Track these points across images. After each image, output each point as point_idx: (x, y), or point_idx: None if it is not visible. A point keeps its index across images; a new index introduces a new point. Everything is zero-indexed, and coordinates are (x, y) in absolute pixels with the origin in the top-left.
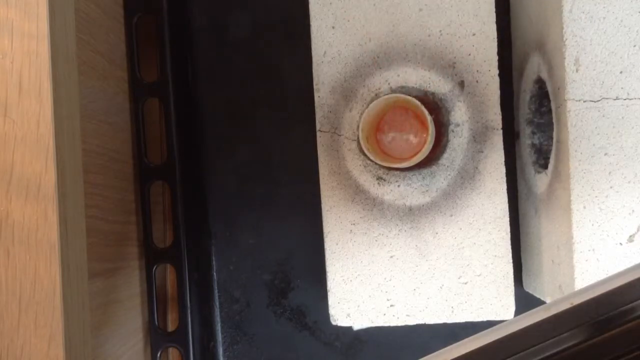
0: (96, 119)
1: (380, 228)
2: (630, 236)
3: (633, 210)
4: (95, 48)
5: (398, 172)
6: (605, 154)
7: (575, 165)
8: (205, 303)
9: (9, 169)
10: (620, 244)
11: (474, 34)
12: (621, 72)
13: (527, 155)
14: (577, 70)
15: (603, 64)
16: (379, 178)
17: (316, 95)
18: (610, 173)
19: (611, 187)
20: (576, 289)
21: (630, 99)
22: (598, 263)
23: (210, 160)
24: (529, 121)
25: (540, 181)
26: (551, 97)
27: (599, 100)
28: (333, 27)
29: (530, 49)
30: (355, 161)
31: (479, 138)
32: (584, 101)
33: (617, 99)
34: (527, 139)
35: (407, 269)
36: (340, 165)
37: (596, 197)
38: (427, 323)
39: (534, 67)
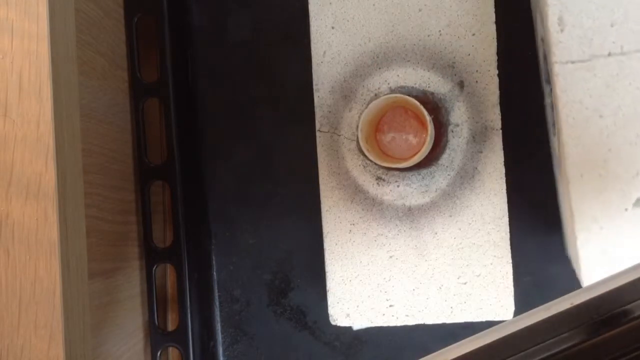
0: (96, 119)
1: (380, 228)
2: (638, 200)
3: (638, 173)
4: (95, 48)
5: (397, 172)
6: (600, 116)
7: (568, 132)
8: (205, 303)
9: (9, 169)
10: (626, 209)
11: (473, 34)
12: (612, 25)
13: (548, 116)
14: (562, 31)
15: (591, 19)
16: (379, 178)
17: (316, 95)
18: (607, 136)
19: (610, 150)
20: (581, 262)
21: (625, 54)
22: (602, 231)
23: (210, 160)
24: (546, 80)
25: (555, 144)
26: (547, 59)
27: (589, 60)
28: (333, 27)
29: (534, 8)
30: (354, 161)
31: (478, 138)
32: (572, 62)
33: (609, 55)
34: (546, 98)
35: (407, 269)
36: (339, 165)
37: (594, 163)
38: (426, 323)
39: (538, 27)
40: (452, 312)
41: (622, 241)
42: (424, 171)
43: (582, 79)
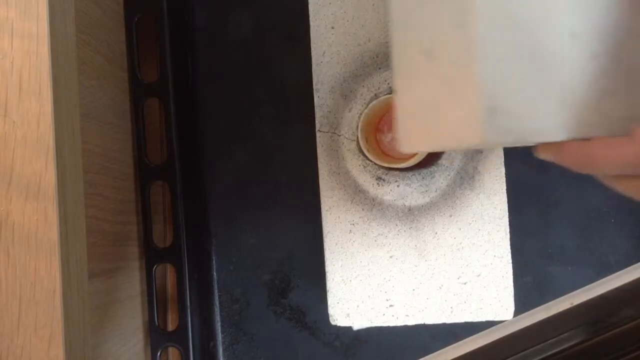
0: (96, 119)
1: (380, 228)
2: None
3: None
4: (95, 48)
5: (397, 172)
6: None
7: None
8: (205, 303)
9: (9, 169)
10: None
11: None
12: None
13: None
14: None
15: None
16: (379, 178)
17: (316, 95)
18: None
19: None
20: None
21: None
22: None
23: (210, 160)
24: None
25: None
26: None
27: None
28: (333, 27)
29: None
30: (354, 161)
31: None
32: None
33: None
34: None
35: (407, 269)
36: (339, 165)
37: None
38: (426, 323)
39: None
40: (452, 312)
41: None
42: (424, 171)
43: None
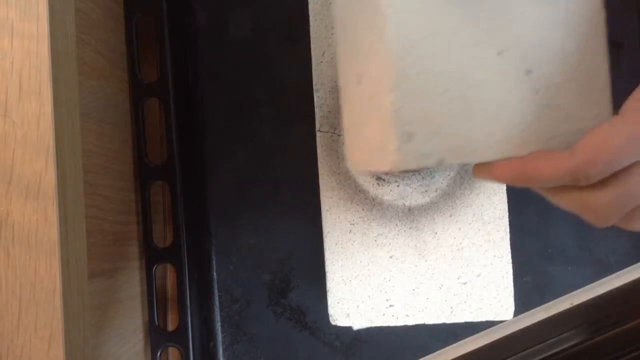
0: (96, 119)
1: (380, 228)
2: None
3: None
4: (95, 48)
5: (397, 172)
6: None
7: None
8: (205, 303)
9: (9, 169)
10: None
11: None
12: None
13: None
14: None
15: None
16: (379, 178)
17: (316, 95)
18: None
19: None
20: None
21: None
22: None
23: (210, 160)
24: None
25: None
26: None
27: None
28: (333, 27)
29: None
30: None
31: None
32: None
33: None
34: None
35: (407, 269)
36: (339, 165)
37: None
38: (426, 323)
39: None
40: (452, 312)
41: None
42: (424, 171)
43: None
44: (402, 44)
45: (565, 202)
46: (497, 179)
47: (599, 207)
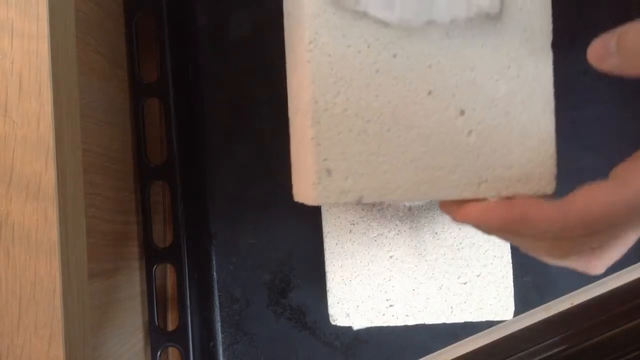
0: (96, 119)
1: (380, 228)
2: None
3: None
4: (95, 48)
5: None
6: None
7: None
8: (205, 303)
9: (9, 169)
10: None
11: None
12: None
13: None
14: None
15: None
16: None
17: None
18: None
19: None
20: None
21: None
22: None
23: (210, 160)
24: None
25: None
26: None
27: None
28: None
29: None
30: None
31: None
32: None
33: None
34: None
35: (407, 269)
36: None
37: None
38: (426, 323)
39: None
40: (452, 312)
41: None
42: None
43: None
44: (323, 82)
45: (536, 250)
46: (469, 220)
47: (589, 262)
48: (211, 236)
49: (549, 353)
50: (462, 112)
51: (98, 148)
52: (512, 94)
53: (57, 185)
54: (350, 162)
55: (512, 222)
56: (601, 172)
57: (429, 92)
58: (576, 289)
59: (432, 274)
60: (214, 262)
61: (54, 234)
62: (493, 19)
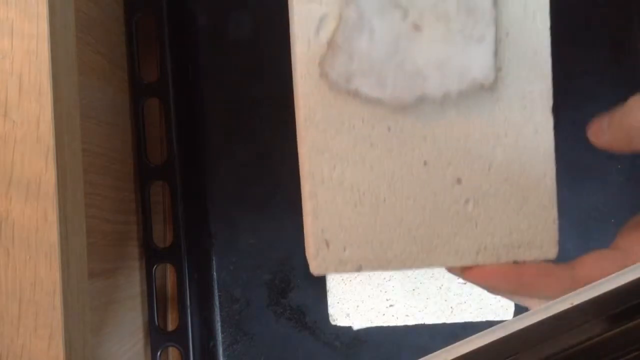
0: (96, 119)
1: None
2: None
3: None
4: (95, 48)
5: None
6: None
7: None
8: (205, 303)
9: (9, 169)
10: None
11: None
12: None
13: None
14: None
15: None
16: None
17: None
18: None
19: None
20: None
21: None
22: None
23: (210, 160)
24: None
25: None
26: None
27: None
28: None
29: None
30: None
31: None
32: None
33: None
34: None
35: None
36: None
37: None
38: (426, 323)
39: None
40: (452, 311)
41: None
42: None
43: None
44: (319, 156)
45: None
46: (475, 283)
47: None
48: (211, 236)
49: (549, 353)
50: (458, 181)
51: (98, 148)
52: (511, 161)
53: (57, 185)
54: (347, 233)
55: (521, 288)
56: (601, 172)
57: (425, 163)
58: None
59: (432, 273)
60: (214, 262)
61: (54, 234)
62: (488, 89)
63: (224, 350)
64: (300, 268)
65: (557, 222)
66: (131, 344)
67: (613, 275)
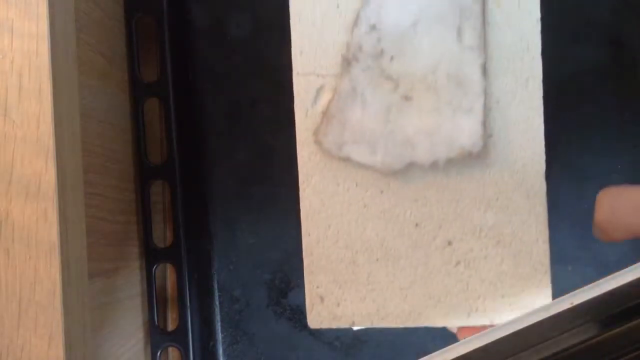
0: (96, 119)
1: None
2: None
3: None
4: (95, 48)
5: None
6: None
7: None
8: (205, 303)
9: (9, 169)
10: None
11: None
12: None
13: None
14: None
15: None
16: None
17: None
18: None
19: None
20: None
21: None
22: None
23: (210, 160)
24: None
25: None
26: None
27: None
28: None
29: None
30: None
31: None
32: None
33: None
34: None
35: None
36: None
37: None
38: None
39: None
40: None
41: None
42: None
43: None
44: (315, 216)
45: None
46: None
47: None
48: (211, 236)
49: (549, 353)
50: (449, 243)
51: (98, 148)
52: (502, 225)
53: (57, 185)
54: (341, 289)
55: None
56: (601, 172)
57: (416, 225)
58: (576, 289)
59: None
60: (214, 262)
61: (54, 234)
62: (476, 156)
63: (224, 350)
64: (300, 268)
65: (550, 286)
66: (131, 344)
67: (613, 275)
